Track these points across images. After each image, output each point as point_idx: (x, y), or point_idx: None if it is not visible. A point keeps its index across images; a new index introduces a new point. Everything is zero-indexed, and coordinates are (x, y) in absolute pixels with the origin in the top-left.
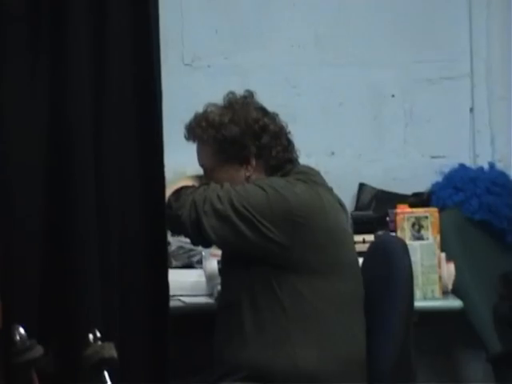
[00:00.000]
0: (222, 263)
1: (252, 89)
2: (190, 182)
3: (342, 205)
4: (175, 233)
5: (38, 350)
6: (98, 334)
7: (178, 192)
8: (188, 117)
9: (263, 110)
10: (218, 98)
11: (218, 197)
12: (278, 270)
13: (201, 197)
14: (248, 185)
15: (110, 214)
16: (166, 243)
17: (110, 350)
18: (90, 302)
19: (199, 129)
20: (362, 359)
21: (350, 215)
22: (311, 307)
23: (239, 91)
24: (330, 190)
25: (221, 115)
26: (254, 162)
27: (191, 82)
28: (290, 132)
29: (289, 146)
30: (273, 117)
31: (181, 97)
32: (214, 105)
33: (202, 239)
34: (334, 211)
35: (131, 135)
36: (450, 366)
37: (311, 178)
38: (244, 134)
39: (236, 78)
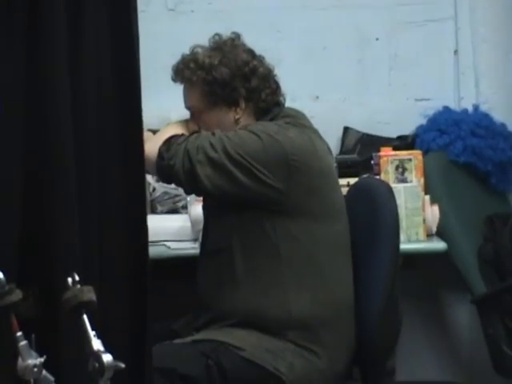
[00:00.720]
0: (208, 209)
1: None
2: (176, 128)
3: (328, 148)
4: (168, 182)
5: (17, 295)
6: (77, 278)
7: (169, 141)
8: (172, 62)
9: (251, 53)
10: (202, 42)
11: (211, 144)
12: (273, 215)
13: (193, 145)
14: (240, 131)
15: (87, 160)
16: (145, 189)
17: (89, 293)
18: (69, 246)
19: (188, 70)
20: (351, 303)
21: (334, 159)
22: (305, 251)
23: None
24: (317, 132)
25: (210, 57)
26: (243, 105)
27: (175, 27)
28: (276, 75)
29: (277, 89)
30: (260, 59)
31: (164, 42)
32: (201, 47)
33: (197, 188)
34: (324, 154)
35: (108, 81)
36: (435, 308)
37: (299, 121)
38: (234, 77)
39: (220, 22)
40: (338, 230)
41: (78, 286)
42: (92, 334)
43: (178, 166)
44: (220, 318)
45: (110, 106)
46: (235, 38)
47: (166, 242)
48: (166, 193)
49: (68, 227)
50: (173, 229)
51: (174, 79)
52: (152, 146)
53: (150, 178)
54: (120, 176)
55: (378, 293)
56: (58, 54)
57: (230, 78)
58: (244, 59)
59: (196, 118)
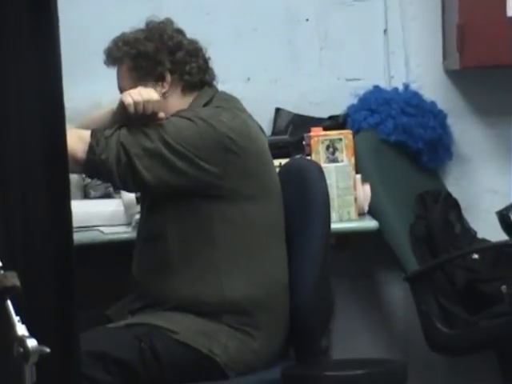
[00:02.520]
0: (143, 198)
1: (165, 16)
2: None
3: (261, 129)
4: (98, 178)
5: None
6: (0, 264)
7: (95, 135)
8: (101, 47)
9: (180, 32)
10: (131, 26)
11: (146, 135)
12: (210, 201)
13: (127, 139)
14: (173, 118)
15: (8, 148)
16: (67, 174)
17: (13, 279)
18: None
19: (116, 48)
20: (286, 283)
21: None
22: (241, 234)
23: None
24: (249, 115)
25: (136, 33)
26: (169, 78)
27: (103, 11)
28: (209, 58)
29: (205, 66)
30: (190, 40)
31: (93, 27)
32: (133, 28)
33: (135, 182)
34: (258, 136)
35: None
36: (368, 286)
37: (233, 104)
38: (158, 50)
39: (149, 6)
40: (273, 210)
41: (2, 271)
42: (16, 319)
43: (112, 161)
44: (155, 303)
45: (31, 99)
46: (166, 21)
47: (99, 227)
48: None
49: None
50: (106, 213)
51: (107, 63)
52: (75, 140)
53: None
54: (42, 161)
55: (309, 272)
56: None
57: (154, 51)
58: (170, 34)
59: None
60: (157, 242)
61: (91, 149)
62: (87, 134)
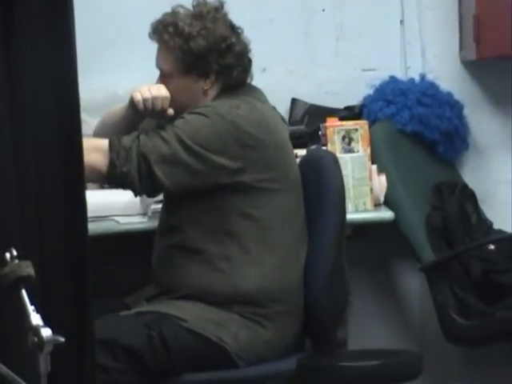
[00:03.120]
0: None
1: None
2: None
3: (284, 120)
4: (120, 187)
5: None
6: (15, 253)
7: (113, 147)
8: (117, 37)
9: (231, 27)
10: (148, 17)
11: (164, 140)
12: (228, 195)
13: (147, 147)
14: (189, 116)
15: (23, 137)
16: (82, 162)
17: (28, 268)
18: (7, 222)
19: (166, 34)
20: (301, 275)
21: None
22: (258, 227)
23: None
24: (270, 106)
25: (190, 25)
26: (213, 78)
27: (118, 1)
28: (251, 50)
29: (249, 65)
30: (238, 33)
31: (108, 18)
32: (184, 8)
33: (154, 189)
34: (278, 127)
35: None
36: (385, 277)
37: (255, 94)
38: (210, 50)
39: None
40: (291, 202)
41: (17, 261)
42: (31, 308)
43: (134, 172)
44: (168, 291)
45: (47, 91)
46: (218, 8)
47: (114, 217)
48: None
49: (5, 203)
50: (121, 203)
51: (151, 37)
52: (93, 152)
53: None
54: (57, 151)
55: (322, 263)
56: None
57: (205, 50)
58: (223, 34)
59: (165, 79)
60: (174, 232)
61: (112, 163)
62: (104, 144)
